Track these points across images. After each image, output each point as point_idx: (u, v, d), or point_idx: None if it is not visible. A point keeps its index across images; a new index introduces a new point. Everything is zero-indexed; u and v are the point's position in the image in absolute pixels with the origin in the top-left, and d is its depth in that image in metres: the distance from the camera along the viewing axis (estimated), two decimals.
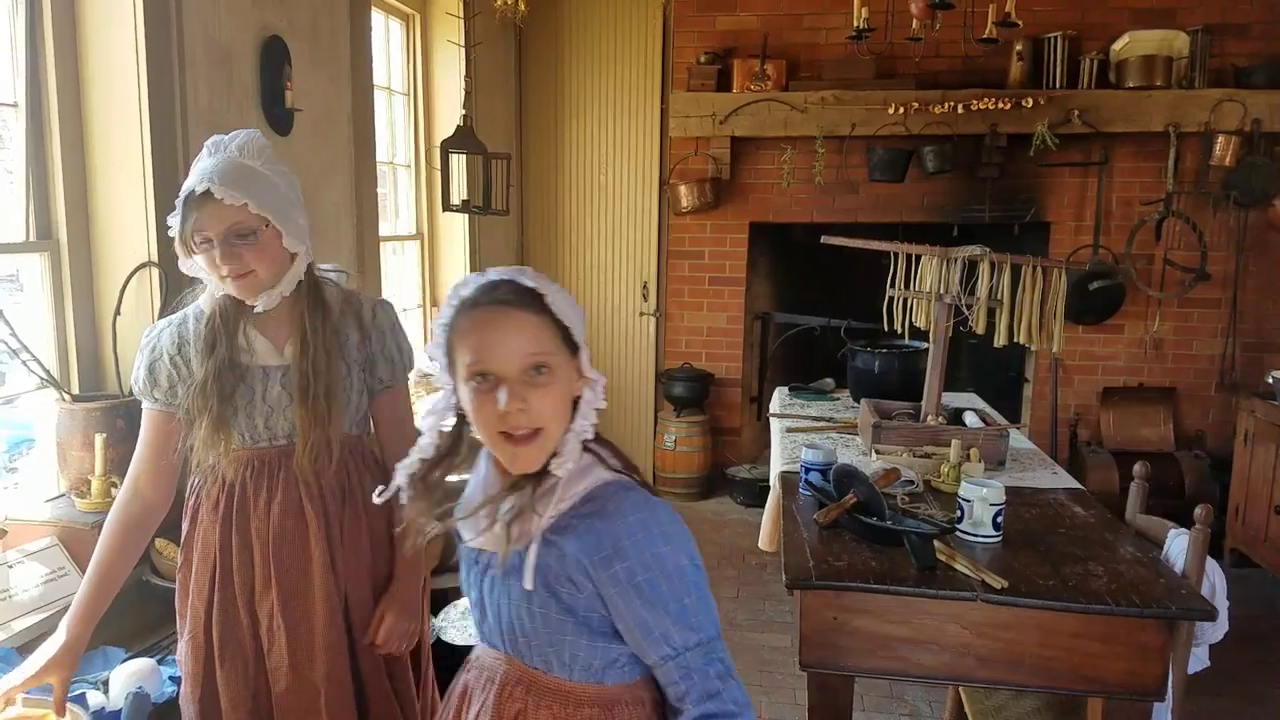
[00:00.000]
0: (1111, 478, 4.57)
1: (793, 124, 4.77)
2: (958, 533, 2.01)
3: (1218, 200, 4.49)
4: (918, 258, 2.86)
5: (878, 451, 2.62)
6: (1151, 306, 4.74)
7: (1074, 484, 2.48)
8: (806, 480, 2.32)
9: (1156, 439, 4.75)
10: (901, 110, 4.62)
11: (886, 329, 2.94)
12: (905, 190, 4.89)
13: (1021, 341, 2.77)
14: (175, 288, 2.14)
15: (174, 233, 1.57)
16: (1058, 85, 4.56)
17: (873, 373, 3.35)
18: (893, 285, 2.87)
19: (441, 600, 2.82)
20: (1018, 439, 2.88)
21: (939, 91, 4.60)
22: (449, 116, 4.16)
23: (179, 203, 1.56)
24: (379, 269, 3.65)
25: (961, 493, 2.03)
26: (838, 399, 3.62)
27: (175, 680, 1.85)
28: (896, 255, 2.85)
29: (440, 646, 2.60)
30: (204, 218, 1.52)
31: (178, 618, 1.72)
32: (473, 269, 4.41)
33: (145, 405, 1.68)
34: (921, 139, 4.65)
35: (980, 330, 2.80)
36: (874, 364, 3.34)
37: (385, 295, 3.56)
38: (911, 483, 2.39)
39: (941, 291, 2.79)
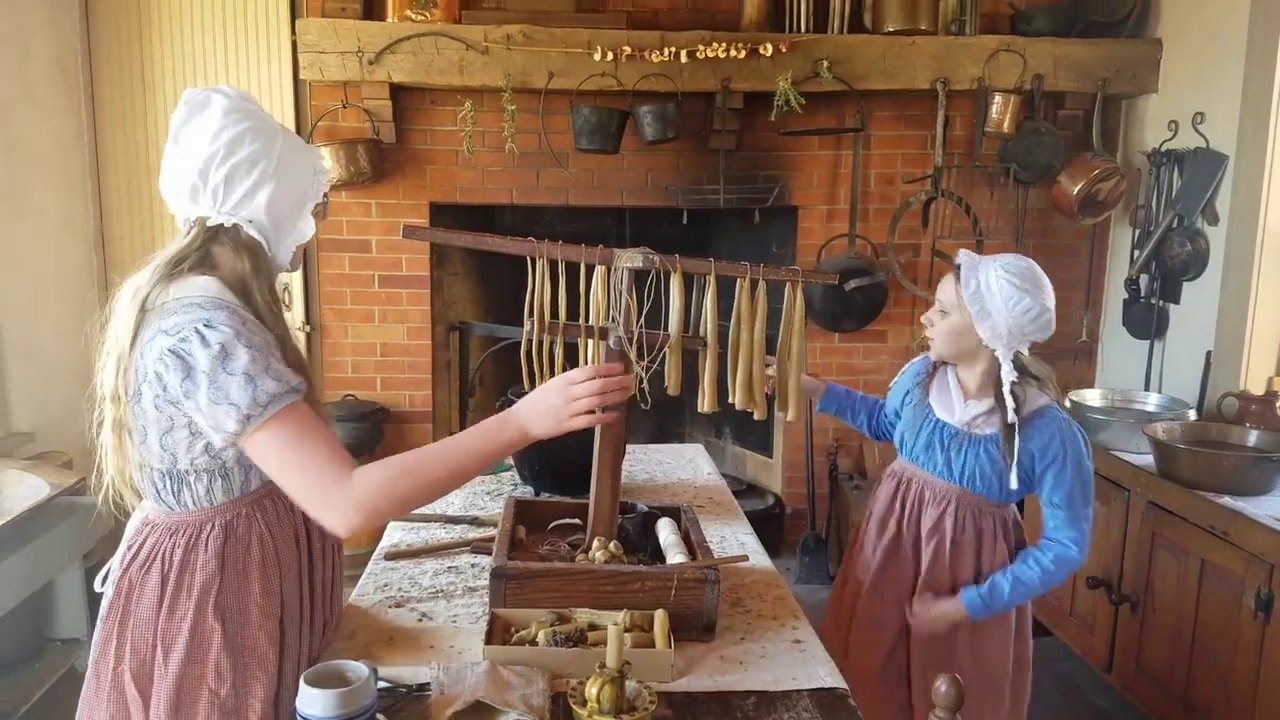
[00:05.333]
0: None
1: (471, 69, 3.50)
2: None
3: (994, 176, 3.66)
4: (580, 268, 1.66)
5: (490, 635, 1.39)
6: (919, 307, 3.89)
7: (829, 679, 1.36)
8: None
9: None
10: (610, 57, 3.48)
11: (528, 388, 1.71)
12: (624, 164, 3.79)
13: (739, 405, 1.64)
14: None
15: None
16: (803, 29, 3.57)
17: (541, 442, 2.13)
18: (530, 315, 1.65)
19: None
20: (751, 557, 1.76)
21: (656, 34, 3.50)
22: None
23: None
24: None
25: None
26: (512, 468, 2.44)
27: None
28: (534, 261, 1.63)
29: None
30: None
31: None
32: None
33: None
34: (638, 96, 3.53)
35: (674, 390, 1.64)
36: None
37: None
38: None
39: (609, 323, 1.60)
